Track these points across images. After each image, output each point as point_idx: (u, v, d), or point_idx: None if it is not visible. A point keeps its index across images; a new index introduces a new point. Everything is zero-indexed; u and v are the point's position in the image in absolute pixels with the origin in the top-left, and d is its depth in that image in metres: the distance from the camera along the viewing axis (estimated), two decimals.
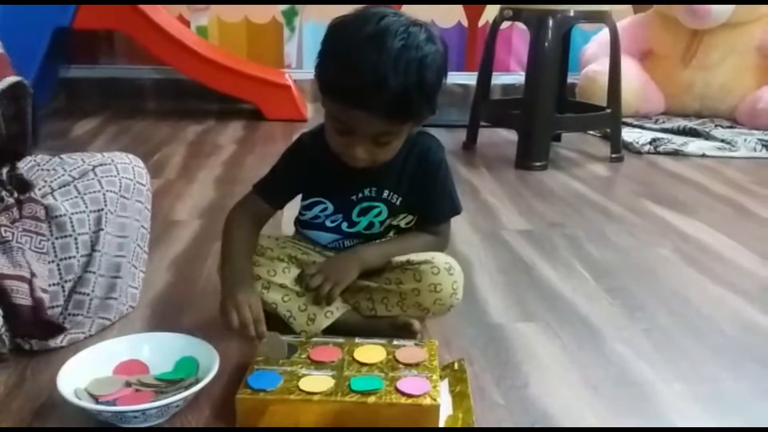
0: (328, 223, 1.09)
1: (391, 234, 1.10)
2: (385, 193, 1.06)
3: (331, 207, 1.07)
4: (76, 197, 1.07)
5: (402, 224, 1.10)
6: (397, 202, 1.07)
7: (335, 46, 0.93)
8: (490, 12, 3.19)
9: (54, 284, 1.03)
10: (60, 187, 1.08)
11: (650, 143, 2.54)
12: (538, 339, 1.11)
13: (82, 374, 0.88)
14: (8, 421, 0.86)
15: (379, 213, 1.07)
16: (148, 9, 2.71)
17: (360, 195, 1.06)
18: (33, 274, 0.99)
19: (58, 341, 1.02)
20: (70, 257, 1.05)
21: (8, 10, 2.48)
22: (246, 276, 0.99)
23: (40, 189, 1.07)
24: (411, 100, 0.91)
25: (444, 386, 0.93)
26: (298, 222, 1.13)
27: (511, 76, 3.35)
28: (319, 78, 0.95)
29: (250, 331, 0.92)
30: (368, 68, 0.87)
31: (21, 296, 0.97)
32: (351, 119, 0.93)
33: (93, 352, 0.93)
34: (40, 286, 0.99)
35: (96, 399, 0.86)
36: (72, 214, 1.06)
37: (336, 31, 0.94)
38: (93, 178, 1.10)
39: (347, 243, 1.10)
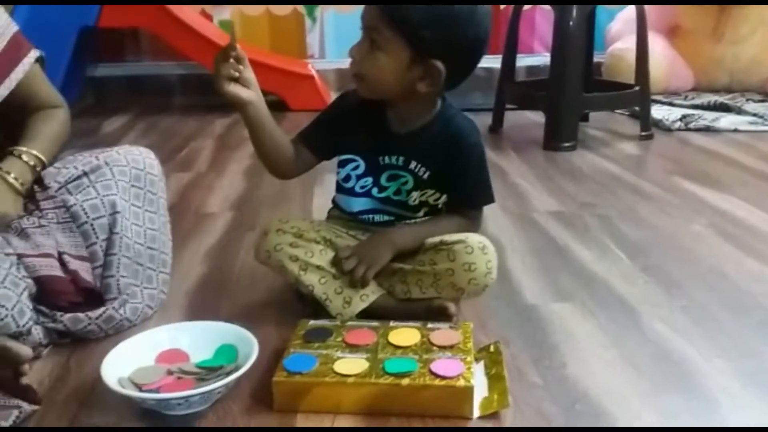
0: (357, 189, 1.10)
1: (422, 213, 1.11)
2: (412, 164, 1.07)
3: (362, 166, 1.09)
4: (87, 187, 1.10)
5: (431, 200, 1.10)
6: (425, 176, 1.07)
7: None
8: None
9: (82, 258, 1.05)
10: (71, 182, 1.11)
11: (680, 120, 2.50)
12: (574, 319, 1.10)
13: (125, 364, 0.90)
14: (55, 413, 0.88)
15: (406, 182, 1.08)
16: (171, 5, 2.73)
17: (388, 159, 1.07)
18: (60, 248, 1.01)
19: (93, 316, 1.03)
20: (92, 243, 1.08)
21: (35, 11, 2.52)
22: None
23: (50, 184, 1.11)
24: (408, 9, 0.95)
25: (479, 368, 0.93)
26: (336, 188, 1.15)
27: (535, 57, 3.32)
28: None
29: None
30: None
31: (50, 269, 1.00)
32: (362, 12, 0.99)
33: (134, 341, 0.95)
34: (70, 253, 1.02)
35: (139, 387, 0.87)
36: (83, 201, 1.08)
37: None
38: (103, 169, 1.12)
39: (377, 217, 1.11)
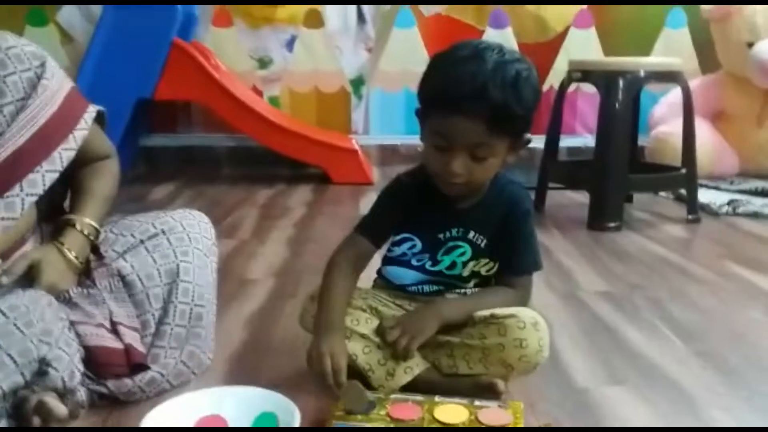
0: (413, 262, 1.09)
1: (472, 283, 1.09)
2: (471, 234, 1.06)
3: (419, 245, 1.08)
4: (145, 256, 1.11)
5: (483, 271, 1.09)
6: (482, 244, 1.06)
7: (437, 64, 0.99)
8: (554, 76, 3.21)
9: (134, 329, 1.05)
10: (127, 251, 1.11)
11: (728, 204, 2.45)
12: (628, 404, 1.05)
13: (164, 426, 0.88)
14: None
15: (463, 253, 1.07)
16: (224, 80, 2.85)
17: (448, 234, 1.06)
18: (114, 318, 1.01)
19: (137, 379, 1.02)
20: (146, 312, 1.08)
21: (96, 81, 2.65)
22: (335, 325, 1.00)
23: (107, 252, 1.11)
24: (509, 109, 0.94)
25: None
26: (384, 259, 1.13)
27: (576, 138, 3.33)
28: (421, 94, 1.00)
29: (328, 381, 0.92)
30: (468, 78, 0.93)
31: (102, 339, 1.00)
32: (450, 128, 0.96)
33: (174, 405, 0.93)
34: (126, 324, 1.01)
35: None
36: (139, 270, 1.09)
37: (437, 56, 1.00)
38: (160, 238, 1.13)
39: (427, 288, 1.10)
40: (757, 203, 2.48)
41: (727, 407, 1.04)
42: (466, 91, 0.93)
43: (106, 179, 1.19)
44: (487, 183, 1.06)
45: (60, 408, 0.88)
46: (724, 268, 1.77)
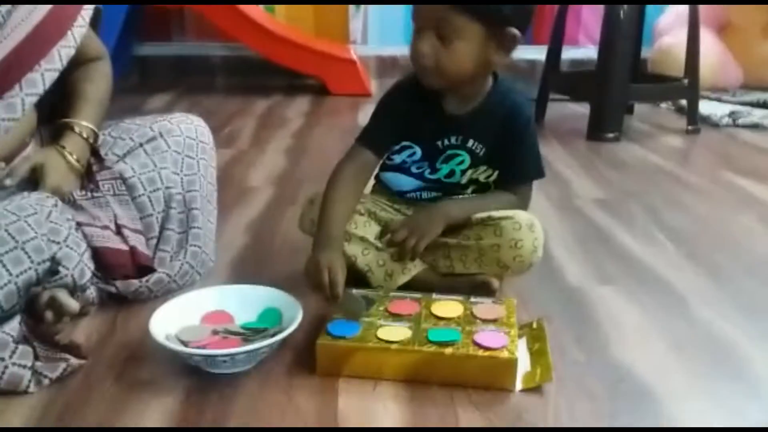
0: (413, 169, 1.09)
1: (470, 190, 1.10)
2: (470, 142, 1.06)
3: (419, 152, 1.08)
4: (144, 159, 1.12)
5: (481, 178, 1.09)
6: (481, 153, 1.06)
7: None
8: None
9: (138, 231, 1.07)
10: (127, 154, 1.12)
11: (729, 116, 2.44)
12: (618, 302, 1.09)
13: (171, 322, 0.92)
14: (103, 366, 0.90)
15: (462, 162, 1.07)
16: None
17: (446, 142, 1.06)
18: (118, 220, 1.03)
19: (144, 280, 1.05)
20: (148, 215, 1.10)
21: None
22: (333, 239, 0.99)
23: (107, 155, 1.12)
24: None
25: (522, 343, 0.92)
26: (383, 166, 1.14)
27: (580, 50, 3.27)
28: None
29: (325, 293, 0.94)
30: None
31: (108, 240, 1.02)
32: (418, 8, 0.95)
33: (181, 301, 0.96)
34: (131, 227, 1.03)
35: (186, 345, 0.89)
36: (141, 174, 1.10)
37: None
38: (158, 141, 1.13)
39: (425, 195, 1.11)
40: (758, 114, 2.47)
41: (713, 304, 1.08)
42: None
43: (100, 82, 1.18)
44: (487, 88, 1.04)
45: (71, 302, 0.91)
46: (720, 177, 1.79)
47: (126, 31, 2.77)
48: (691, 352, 0.94)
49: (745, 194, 1.65)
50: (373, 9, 3.24)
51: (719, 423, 0.79)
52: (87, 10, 1.10)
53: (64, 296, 0.91)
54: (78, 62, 1.13)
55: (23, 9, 1.01)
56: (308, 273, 0.96)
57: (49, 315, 0.91)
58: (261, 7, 3.19)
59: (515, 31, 0.96)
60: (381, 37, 3.29)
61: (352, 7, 3.26)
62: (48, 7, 1.04)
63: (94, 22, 1.15)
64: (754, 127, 2.37)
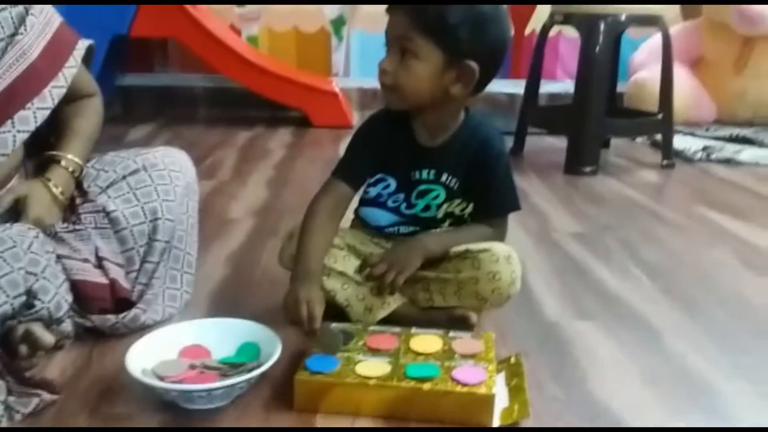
0: (389, 203, 1.10)
1: (447, 223, 1.11)
2: (444, 177, 1.07)
3: (393, 185, 1.09)
4: (127, 193, 1.11)
5: (457, 211, 1.10)
6: (455, 186, 1.08)
7: None
8: (536, 22, 3.18)
9: (119, 264, 1.06)
10: (110, 186, 1.12)
11: (702, 150, 2.50)
12: (595, 337, 1.10)
13: (148, 356, 0.91)
14: (77, 401, 0.89)
15: (437, 196, 1.08)
16: (201, 17, 2.79)
17: (420, 176, 1.07)
18: (100, 253, 1.03)
19: (121, 317, 1.04)
20: (129, 248, 1.09)
21: (69, 17, 2.57)
22: (311, 273, 1.00)
23: (90, 188, 1.12)
24: (440, 11, 0.95)
25: (500, 379, 0.92)
26: (361, 201, 1.15)
27: (557, 84, 3.33)
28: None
29: (303, 328, 0.94)
30: None
31: (88, 273, 1.01)
32: (388, 25, 0.99)
33: (158, 335, 0.96)
34: (111, 260, 1.03)
35: (162, 380, 0.88)
36: (124, 208, 1.10)
37: None
38: (142, 174, 1.13)
39: (403, 229, 1.12)
40: (731, 149, 2.52)
41: (687, 338, 1.09)
42: None
43: (90, 117, 1.19)
44: (458, 121, 1.06)
45: (46, 336, 0.91)
46: (694, 212, 1.82)
47: (109, 61, 2.78)
48: (666, 387, 0.95)
49: (719, 228, 1.69)
50: (355, 42, 3.29)
51: None
52: (79, 50, 1.12)
53: (39, 330, 0.90)
54: (69, 99, 1.14)
55: (17, 47, 1.02)
56: (287, 307, 0.96)
57: (23, 349, 0.90)
58: (244, 39, 3.22)
59: (474, 65, 0.98)
60: (362, 70, 3.33)
61: (334, 40, 3.30)
62: (42, 46, 1.05)
63: (87, 59, 1.16)
64: (727, 161, 2.43)
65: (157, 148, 1.21)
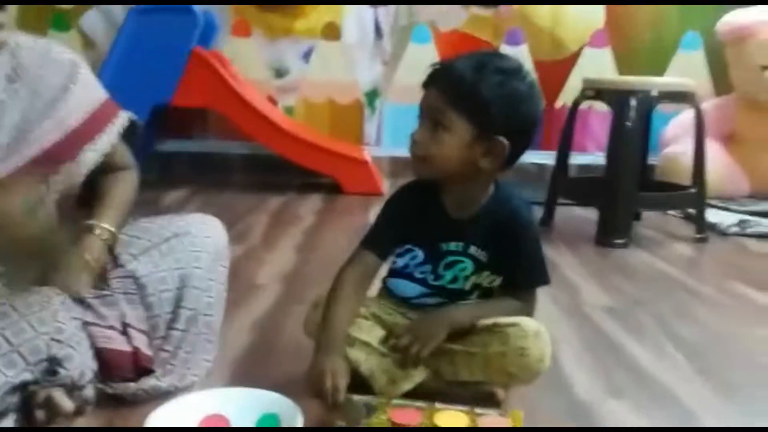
0: (416, 274, 1.10)
1: (475, 295, 1.10)
2: (472, 249, 1.07)
3: (421, 255, 1.09)
4: (158, 259, 1.12)
5: (485, 283, 1.09)
6: (483, 258, 1.07)
7: None
8: (567, 94, 3.22)
9: (144, 332, 1.07)
10: (142, 253, 1.13)
11: (737, 225, 2.45)
12: (628, 417, 1.06)
13: (168, 424, 0.90)
14: None
15: (465, 268, 1.08)
16: (241, 88, 2.89)
17: (448, 247, 1.07)
18: (125, 319, 1.03)
19: (141, 384, 1.03)
20: (156, 315, 1.10)
21: (114, 86, 2.68)
22: (336, 342, 0.99)
23: (121, 255, 1.13)
24: (466, 82, 0.98)
25: None
26: (388, 271, 1.15)
27: (587, 156, 3.34)
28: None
29: (327, 400, 0.93)
30: (452, 64, 1.01)
31: (112, 341, 1.02)
32: (422, 98, 1.02)
33: (179, 403, 0.95)
34: (134, 325, 1.03)
35: None
36: (153, 273, 1.10)
37: None
38: (173, 241, 1.15)
39: (430, 301, 1.10)
40: (766, 224, 2.47)
41: (724, 422, 1.05)
42: (443, 66, 1.02)
43: (125, 187, 1.21)
44: (488, 194, 1.06)
45: (66, 403, 0.90)
46: (729, 287, 1.78)
47: (149, 127, 2.88)
48: None
49: (755, 305, 1.64)
50: (387, 113, 3.36)
51: None
52: (120, 120, 1.15)
53: (59, 396, 0.90)
54: (107, 169, 1.17)
55: (61, 113, 1.07)
56: (310, 379, 0.95)
57: (41, 414, 0.90)
58: (281, 109, 3.31)
59: (504, 140, 1.00)
60: (394, 139, 3.39)
61: (367, 111, 3.38)
62: (82, 118, 1.09)
63: (131, 135, 1.20)
64: (763, 236, 2.38)
65: (190, 215, 1.23)
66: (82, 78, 1.11)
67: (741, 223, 2.47)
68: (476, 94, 0.98)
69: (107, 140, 1.12)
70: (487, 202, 1.07)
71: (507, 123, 0.99)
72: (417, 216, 1.08)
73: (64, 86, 1.08)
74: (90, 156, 1.09)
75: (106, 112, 1.15)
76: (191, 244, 1.16)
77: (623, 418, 1.05)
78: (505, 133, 1.00)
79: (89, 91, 1.13)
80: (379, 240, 1.09)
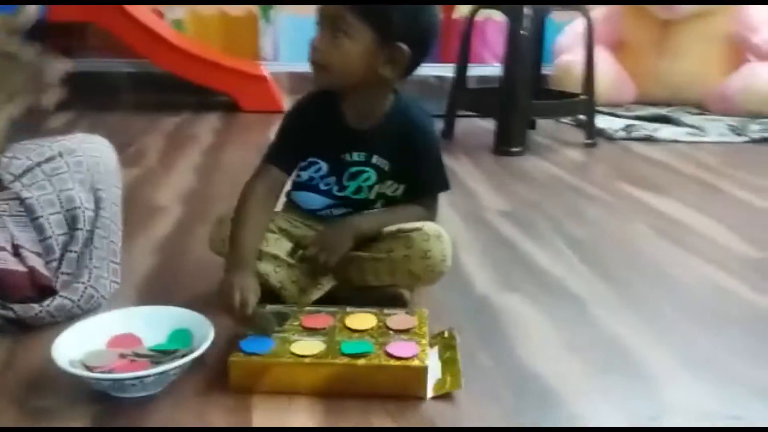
0: (321, 186, 1.11)
1: (379, 204, 1.12)
2: (375, 158, 1.08)
3: (324, 168, 1.09)
4: (42, 180, 1.08)
5: (389, 192, 1.12)
6: (386, 168, 1.09)
7: None
8: (464, 6, 3.22)
9: (37, 253, 1.03)
10: (24, 173, 1.08)
11: (623, 129, 2.60)
12: (523, 308, 1.14)
13: (75, 347, 0.89)
14: (4, 396, 0.86)
15: (368, 178, 1.09)
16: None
17: (351, 158, 1.08)
18: (16, 241, 0.99)
19: (45, 304, 1.01)
20: (47, 237, 1.06)
21: None
22: (245, 260, 0.99)
23: (2, 176, 1.07)
24: None
25: (434, 353, 0.95)
26: (293, 184, 1.15)
27: (486, 68, 3.39)
28: None
29: (235, 314, 0.93)
30: None
31: (5, 263, 0.98)
32: (321, 7, 1.00)
33: (85, 325, 0.93)
34: (29, 248, 0.99)
35: (91, 370, 0.86)
36: (39, 196, 1.06)
37: None
38: (58, 161, 1.10)
39: (335, 211, 1.12)
40: (650, 128, 2.64)
41: (610, 307, 1.15)
42: None
43: None
44: (388, 104, 1.07)
45: None
46: (616, 188, 1.90)
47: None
48: (589, 354, 0.99)
49: (638, 203, 1.77)
50: (283, 24, 3.25)
51: (617, 421, 0.84)
52: None
53: None
54: None
55: None
56: (220, 295, 0.95)
57: None
58: (168, 23, 3.13)
59: (405, 48, 1.00)
60: (292, 53, 3.29)
61: (262, 23, 3.25)
62: None
63: None
64: (647, 139, 2.53)
65: (74, 135, 1.17)
66: None
67: (627, 127, 2.62)
68: (380, 7, 0.96)
69: None
70: (388, 111, 1.08)
71: (408, 30, 0.99)
72: (318, 128, 1.07)
73: None
74: None
75: None
76: (77, 164, 1.10)
77: (520, 310, 1.13)
78: (405, 41, 0.99)
79: None
80: (282, 154, 1.08)
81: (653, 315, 1.12)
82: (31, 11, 0.75)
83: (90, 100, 3.01)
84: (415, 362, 0.87)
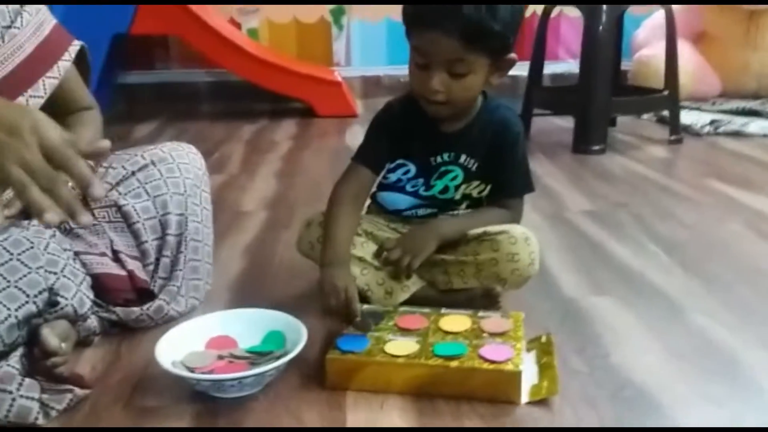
0: (408, 187, 1.11)
1: (464, 205, 1.12)
2: (462, 158, 1.08)
3: (413, 170, 1.10)
4: (137, 188, 1.12)
5: (474, 193, 1.11)
6: (473, 168, 1.09)
7: None
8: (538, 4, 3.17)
9: (135, 257, 1.08)
10: (120, 182, 1.12)
11: (710, 124, 2.49)
12: (614, 311, 1.10)
13: (176, 348, 0.92)
14: (109, 395, 0.90)
15: (455, 177, 1.09)
16: (201, 12, 2.79)
17: (440, 159, 1.08)
18: (115, 246, 1.04)
19: (145, 308, 1.05)
20: (143, 242, 1.10)
21: (68, 18, 2.57)
22: (342, 256, 1.01)
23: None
24: (484, 25, 0.94)
25: (531, 357, 0.93)
26: (379, 185, 1.16)
27: (560, 64, 3.33)
28: (404, 15, 1.01)
29: (341, 313, 0.95)
30: None
31: (107, 267, 1.03)
32: (428, 45, 0.97)
33: (185, 328, 0.97)
34: (126, 253, 1.04)
35: (192, 371, 0.89)
36: (135, 203, 1.10)
37: None
38: (151, 169, 1.14)
39: (421, 212, 1.12)
40: (738, 122, 2.52)
41: (707, 310, 1.10)
42: (442, 7, 0.95)
43: (91, 125, 1.19)
44: (477, 105, 1.07)
45: (51, 340, 0.88)
46: (705, 185, 1.83)
47: (110, 60, 2.78)
48: (689, 359, 0.95)
49: (730, 201, 1.69)
50: (355, 30, 3.28)
51: (721, 426, 0.81)
52: (74, 46, 1.12)
53: (46, 333, 0.90)
54: (69, 110, 1.15)
55: (14, 41, 1.03)
56: (323, 294, 0.97)
57: (37, 351, 0.90)
58: (244, 32, 3.22)
59: (514, 55, 1.01)
60: (363, 58, 3.33)
61: (334, 30, 3.30)
62: (35, 43, 1.06)
63: (84, 69, 1.17)
64: (735, 134, 2.42)
65: (164, 144, 1.21)
66: (31, 6, 1.06)
67: (713, 122, 2.51)
68: (493, 32, 0.95)
69: (63, 66, 1.09)
70: (478, 113, 1.08)
71: (514, 38, 1.00)
72: (408, 132, 1.08)
73: (16, 10, 1.04)
74: (48, 82, 1.06)
75: (60, 37, 1.11)
76: (169, 171, 1.15)
77: (610, 312, 1.10)
78: (513, 48, 1.00)
79: (41, 17, 1.08)
80: (372, 154, 1.09)
81: (758, 319, 1.07)
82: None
83: (172, 109, 3.14)
84: (509, 366, 0.86)
